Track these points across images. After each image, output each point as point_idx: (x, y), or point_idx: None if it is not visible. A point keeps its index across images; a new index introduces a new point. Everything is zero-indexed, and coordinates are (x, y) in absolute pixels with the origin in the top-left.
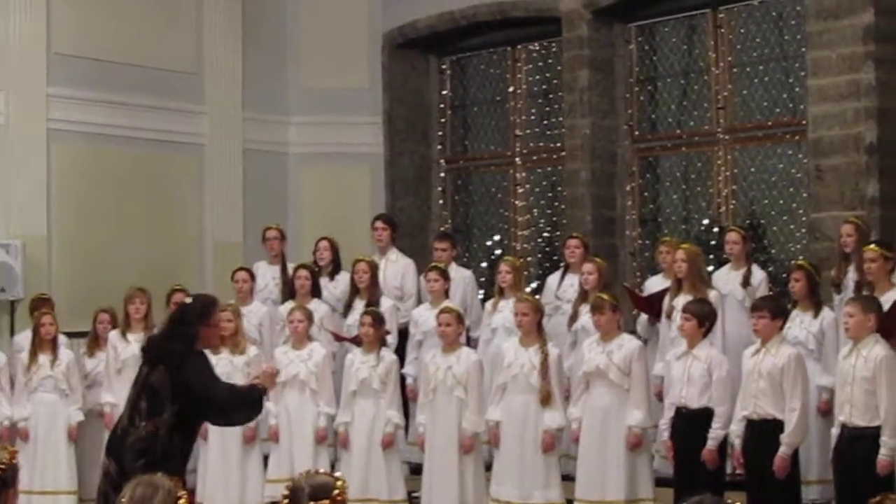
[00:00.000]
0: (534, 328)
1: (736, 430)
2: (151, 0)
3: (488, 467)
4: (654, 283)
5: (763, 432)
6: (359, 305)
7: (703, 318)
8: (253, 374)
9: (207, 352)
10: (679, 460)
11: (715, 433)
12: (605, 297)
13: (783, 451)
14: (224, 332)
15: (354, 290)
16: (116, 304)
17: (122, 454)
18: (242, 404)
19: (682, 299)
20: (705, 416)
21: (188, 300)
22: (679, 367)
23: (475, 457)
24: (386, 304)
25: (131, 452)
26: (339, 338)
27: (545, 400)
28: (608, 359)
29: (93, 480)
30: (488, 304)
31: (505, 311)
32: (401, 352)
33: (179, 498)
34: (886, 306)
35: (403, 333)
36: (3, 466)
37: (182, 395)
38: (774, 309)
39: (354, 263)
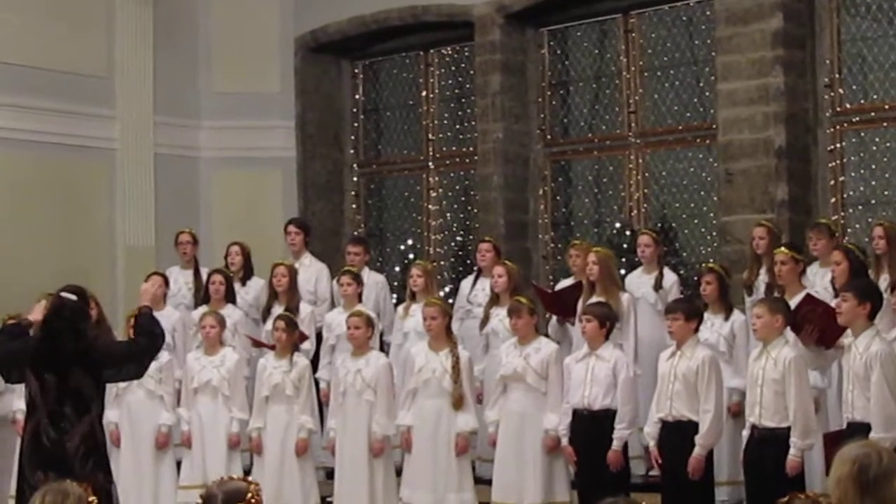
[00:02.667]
0: (442, 332)
1: (651, 432)
2: (61, 3)
3: (398, 471)
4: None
5: (678, 434)
6: (277, 310)
7: (604, 318)
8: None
9: None
10: (582, 463)
11: (620, 433)
12: (522, 300)
13: (697, 452)
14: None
15: (273, 295)
16: (27, 310)
17: (68, 463)
18: (146, 343)
19: None
20: (608, 417)
21: (71, 297)
22: (580, 369)
23: (385, 460)
24: (305, 310)
25: (78, 458)
26: (256, 343)
27: (457, 403)
28: (525, 362)
29: (2, 488)
30: (400, 309)
31: (417, 315)
32: (316, 356)
33: (90, 503)
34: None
35: (318, 338)
36: None
37: (101, 384)
38: (688, 311)
39: (273, 268)
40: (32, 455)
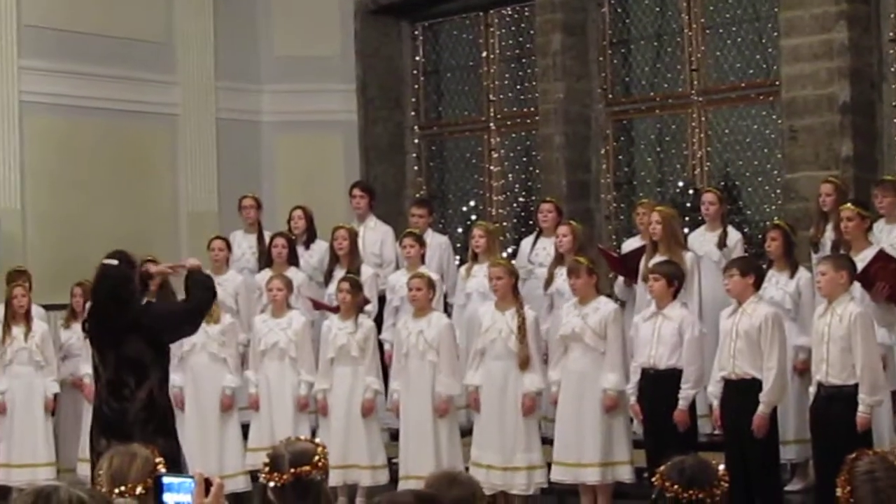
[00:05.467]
0: (509, 292)
1: (714, 391)
2: None
3: (464, 432)
4: (631, 246)
5: (741, 392)
6: (339, 273)
7: (672, 277)
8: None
9: None
10: (648, 422)
11: (685, 393)
12: (581, 260)
13: (761, 409)
14: None
15: (334, 259)
16: (92, 276)
17: (127, 430)
18: (202, 301)
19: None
20: (674, 376)
21: (112, 262)
22: (647, 328)
23: (450, 420)
24: (367, 272)
25: (138, 425)
26: (318, 305)
27: (524, 364)
28: (584, 322)
29: (70, 451)
30: (462, 270)
31: (479, 276)
32: (380, 318)
33: (157, 464)
34: (863, 266)
35: (382, 300)
36: None
37: (162, 348)
38: (744, 267)
39: (334, 231)
40: (96, 422)
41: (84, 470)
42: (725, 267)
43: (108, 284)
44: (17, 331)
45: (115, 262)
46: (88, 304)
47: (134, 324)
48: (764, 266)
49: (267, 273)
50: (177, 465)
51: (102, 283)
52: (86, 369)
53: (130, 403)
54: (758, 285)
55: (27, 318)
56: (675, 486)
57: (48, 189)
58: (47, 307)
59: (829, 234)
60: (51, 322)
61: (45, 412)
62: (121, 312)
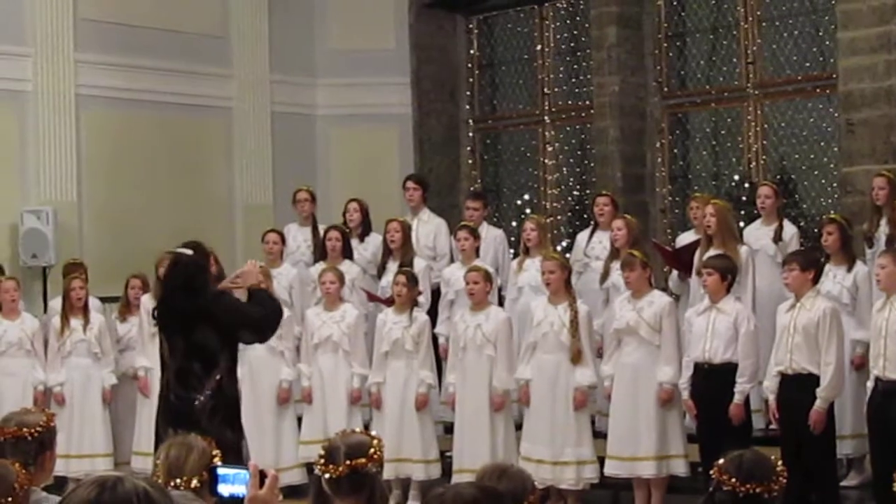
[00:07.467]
0: (562, 286)
1: (770, 386)
2: None
3: (518, 426)
4: (685, 240)
5: (798, 387)
6: (392, 266)
7: (725, 271)
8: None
9: None
10: (702, 417)
11: (741, 387)
12: (635, 254)
13: (819, 405)
14: None
15: (387, 251)
16: (147, 268)
17: (195, 419)
18: (270, 314)
19: None
20: (729, 370)
21: (187, 252)
22: (701, 323)
23: (506, 415)
24: (419, 265)
25: (206, 414)
26: (372, 298)
27: (576, 358)
28: (638, 316)
29: (125, 444)
30: (514, 263)
31: (531, 270)
32: (434, 311)
33: (214, 456)
34: None
35: (436, 293)
36: (40, 429)
37: (230, 337)
38: (804, 261)
39: (387, 224)
40: (162, 413)
41: (139, 463)
42: (785, 260)
43: (181, 273)
44: (76, 323)
45: (189, 251)
46: (158, 293)
47: (205, 312)
48: (822, 259)
49: (320, 266)
50: (240, 458)
51: (176, 270)
52: (141, 362)
53: (198, 392)
54: (816, 280)
55: (85, 310)
56: (733, 480)
57: (104, 182)
58: (102, 299)
59: (882, 229)
60: (106, 314)
61: (102, 403)
62: (193, 300)
